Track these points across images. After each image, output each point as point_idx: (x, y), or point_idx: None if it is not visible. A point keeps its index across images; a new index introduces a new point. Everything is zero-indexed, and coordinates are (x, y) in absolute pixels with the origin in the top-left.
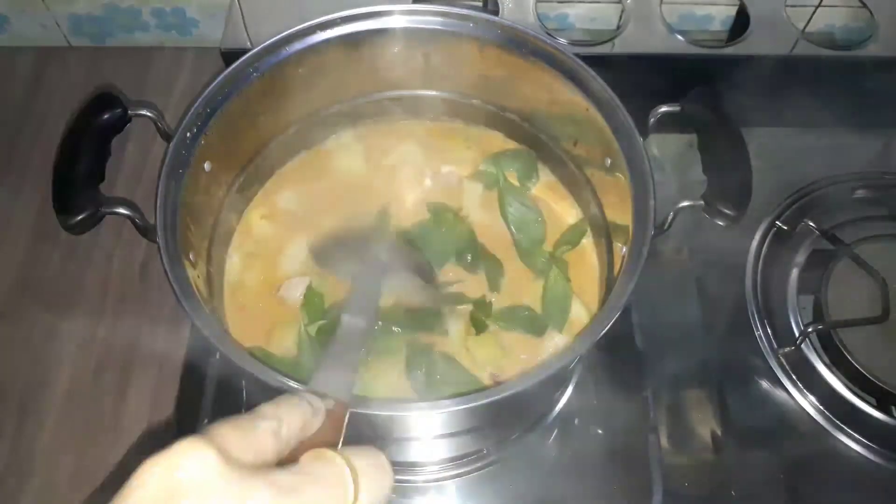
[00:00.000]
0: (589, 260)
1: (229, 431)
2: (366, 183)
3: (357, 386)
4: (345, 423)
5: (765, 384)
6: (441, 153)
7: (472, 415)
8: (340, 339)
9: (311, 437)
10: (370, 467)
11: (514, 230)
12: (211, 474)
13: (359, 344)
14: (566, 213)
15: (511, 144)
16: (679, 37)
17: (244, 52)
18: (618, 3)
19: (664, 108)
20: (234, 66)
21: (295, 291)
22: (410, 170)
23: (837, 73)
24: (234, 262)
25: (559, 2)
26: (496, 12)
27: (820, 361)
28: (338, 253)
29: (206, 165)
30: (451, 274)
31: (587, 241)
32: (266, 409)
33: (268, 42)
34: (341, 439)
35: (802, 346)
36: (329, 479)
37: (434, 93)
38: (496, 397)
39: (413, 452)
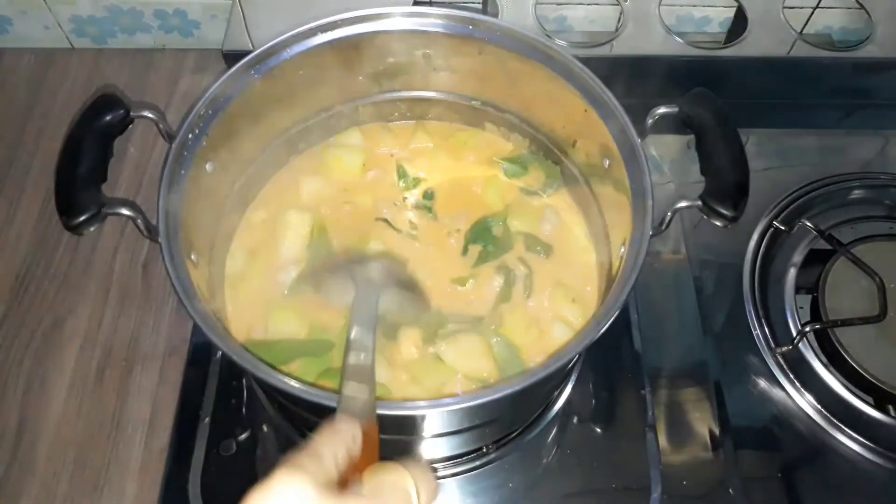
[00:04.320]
0: (588, 259)
1: (308, 462)
2: (366, 184)
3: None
4: (377, 439)
5: (762, 383)
6: (440, 154)
7: (471, 413)
8: (351, 356)
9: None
10: (421, 473)
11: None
12: (310, 500)
13: (368, 359)
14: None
15: (510, 145)
16: (677, 38)
17: (246, 53)
18: (616, 4)
19: (662, 109)
20: (235, 67)
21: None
22: (410, 170)
23: (835, 74)
24: (235, 260)
25: (558, 4)
26: (496, 14)
27: (817, 360)
28: (330, 280)
29: (208, 166)
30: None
31: (587, 241)
32: (319, 443)
33: (269, 44)
34: (377, 451)
35: (800, 345)
36: (398, 486)
37: (433, 94)
38: (494, 396)
39: (413, 451)
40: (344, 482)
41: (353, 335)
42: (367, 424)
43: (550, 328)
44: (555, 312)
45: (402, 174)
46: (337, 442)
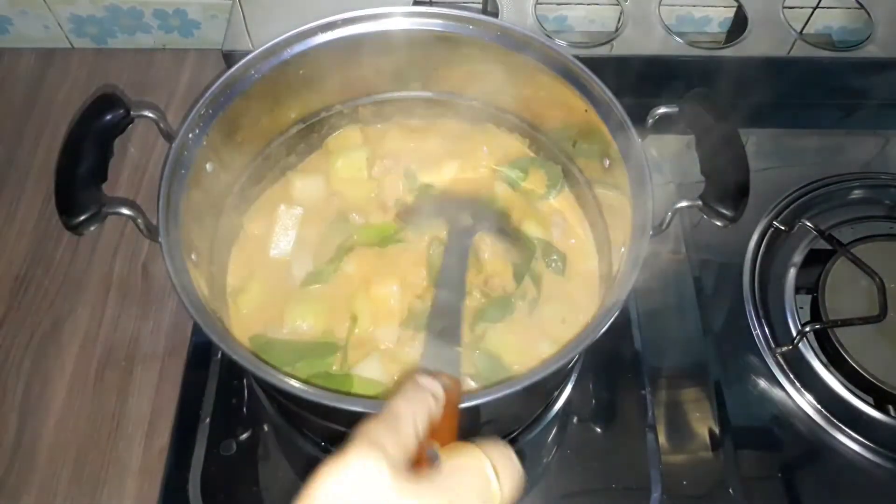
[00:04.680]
0: (588, 259)
1: (386, 436)
2: (367, 184)
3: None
4: (459, 398)
5: (762, 383)
6: (440, 154)
7: (469, 413)
8: (438, 314)
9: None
10: (503, 458)
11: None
12: (384, 486)
13: (457, 316)
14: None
15: (511, 146)
16: (677, 38)
17: (245, 53)
18: (616, 4)
19: (662, 109)
20: (235, 67)
21: (285, 246)
22: (410, 170)
23: (835, 74)
24: (241, 258)
25: (558, 4)
26: (496, 14)
27: (817, 360)
28: (418, 214)
29: (208, 166)
30: None
31: (587, 240)
32: (401, 406)
33: (269, 44)
34: (458, 414)
35: (800, 345)
36: (475, 473)
37: (433, 94)
38: (493, 396)
39: None
40: (421, 453)
41: (439, 292)
42: (451, 382)
43: (546, 338)
44: (554, 322)
45: (407, 173)
46: (418, 402)
